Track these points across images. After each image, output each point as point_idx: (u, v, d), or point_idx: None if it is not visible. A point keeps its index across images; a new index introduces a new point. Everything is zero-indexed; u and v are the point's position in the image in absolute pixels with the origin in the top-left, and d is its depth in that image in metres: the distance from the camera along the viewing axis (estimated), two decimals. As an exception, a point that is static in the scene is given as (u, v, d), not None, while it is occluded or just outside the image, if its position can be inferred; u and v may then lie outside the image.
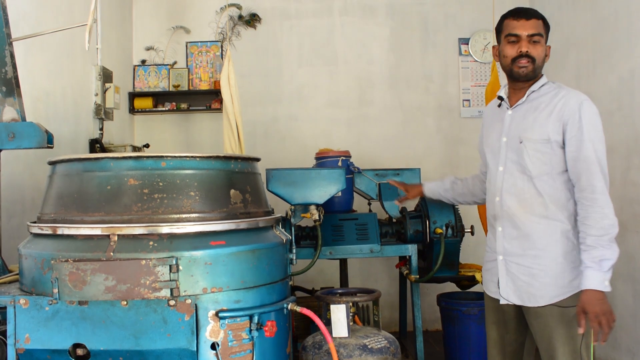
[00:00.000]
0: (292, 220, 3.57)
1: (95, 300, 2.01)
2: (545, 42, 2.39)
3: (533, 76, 2.38)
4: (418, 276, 3.93)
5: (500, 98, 2.48)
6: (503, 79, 5.20)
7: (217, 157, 2.30)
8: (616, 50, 4.10)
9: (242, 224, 2.25)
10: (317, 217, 3.59)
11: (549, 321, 2.31)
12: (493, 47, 2.54)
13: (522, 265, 2.36)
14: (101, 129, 4.57)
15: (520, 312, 2.44)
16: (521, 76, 2.37)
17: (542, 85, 2.39)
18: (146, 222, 2.10)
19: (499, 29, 2.46)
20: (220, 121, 4.86)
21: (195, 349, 2.03)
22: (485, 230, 4.42)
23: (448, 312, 4.25)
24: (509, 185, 2.39)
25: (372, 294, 3.28)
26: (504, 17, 2.43)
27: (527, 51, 2.33)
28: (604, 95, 4.16)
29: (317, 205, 3.59)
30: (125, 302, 2.01)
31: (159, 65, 5.53)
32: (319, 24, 5.62)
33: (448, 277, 4.11)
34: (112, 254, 2.02)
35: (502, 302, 2.43)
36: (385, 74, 5.61)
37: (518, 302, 2.39)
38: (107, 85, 4.59)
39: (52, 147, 2.51)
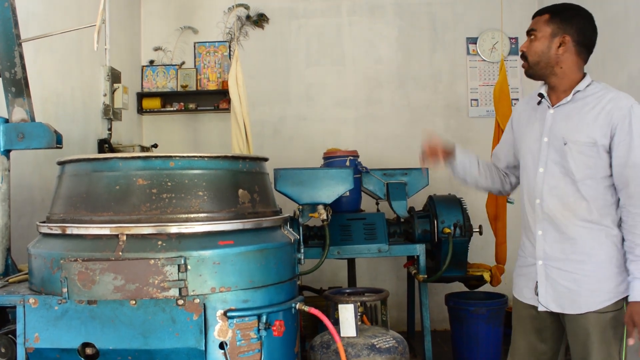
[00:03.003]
0: (300, 220, 3.57)
1: (104, 300, 2.01)
2: (556, 35, 2.27)
3: (535, 73, 2.33)
4: (426, 276, 3.92)
5: (541, 95, 2.37)
6: (511, 79, 5.26)
7: (225, 157, 2.31)
8: (626, 47, 4.08)
9: (250, 223, 2.26)
10: (325, 217, 3.59)
11: (586, 325, 2.23)
12: None
13: (565, 271, 2.26)
14: (110, 129, 4.59)
15: (557, 320, 2.36)
16: (526, 76, 2.37)
17: (588, 85, 2.30)
18: (155, 221, 2.11)
19: None
20: (228, 121, 4.87)
21: (203, 348, 2.04)
22: (494, 230, 4.43)
23: (456, 312, 4.24)
24: (550, 188, 2.29)
25: (380, 293, 3.28)
26: None
27: (522, 51, 2.34)
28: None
29: (325, 205, 3.59)
30: (134, 302, 2.01)
31: (167, 65, 5.54)
32: (326, 24, 5.62)
33: (456, 276, 4.10)
34: (120, 253, 2.03)
35: (540, 309, 2.32)
36: (394, 73, 5.60)
37: (557, 310, 2.29)
38: (115, 85, 4.62)
39: (61, 148, 2.52)
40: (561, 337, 2.40)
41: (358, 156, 4.24)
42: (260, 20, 5.55)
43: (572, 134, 2.25)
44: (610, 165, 2.22)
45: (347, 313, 2.80)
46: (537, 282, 2.34)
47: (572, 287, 2.25)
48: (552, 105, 2.34)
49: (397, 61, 5.60)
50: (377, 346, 2.87)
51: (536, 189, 2.33)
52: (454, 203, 4.05)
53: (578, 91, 2.29)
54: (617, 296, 2.22)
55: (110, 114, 4.56)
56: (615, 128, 2.18)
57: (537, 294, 2.34)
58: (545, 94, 2.37)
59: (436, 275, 3.93)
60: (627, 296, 2.24)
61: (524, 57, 2.34)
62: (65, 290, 2.02)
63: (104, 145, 4.44)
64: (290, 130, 5.56)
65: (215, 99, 5.50)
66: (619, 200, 2.25)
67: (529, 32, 2.34)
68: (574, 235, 2.25)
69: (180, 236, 2.10)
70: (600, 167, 2.22)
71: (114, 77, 4.62)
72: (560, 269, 2.28)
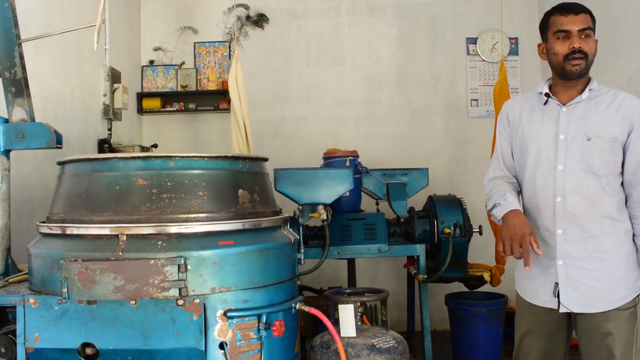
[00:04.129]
0: (300, 220, 3.57)
1: (104, 300, 2.01)
2: (594, 35, 2.31)
3: (586, 72, 2.30)
4: (426, 276, 3.92)
5: (547, 95, 2.36)
6: (511, 79, 5.26)
7: (225, 157, 2.30)
8: (626, 49, 4.08)
9: (250, 223, 2.25)
10: (325, 217, 3.59)
11: (606, 323, 2.23)
12: (538, 45, 2.43)
13: (587, 269, 2.25)
14: (110, 129, 4.59)
15: (569, 319, 2.35)
16: (574, 74, 2.28)
17: (599, 84, 2.34)
18: (155, 222, 2.10)
19: (544, 27, 2.36)
20: (228, 121, 4.87)
21: (203, 348, 2.03)
22: (494, 230, 4.42)
23: (456, 312, 4.24)
24: (573, 185, 2.26)
25: (380, 293, 3.28)
26: (549, 14, 2.33)
27: (579, 47, 2.25)
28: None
29: (325, 205, 3.59)
30: (134, 302, 2.01)
31: (167, 65, 5.54)
32: (326, 24, 5.62)
33: (456, 277, 4.10)
34: (120, 253, 2.03)
35: (561, 310, 2.29)
36: (393, 73, 5.60)
37: (578, 310, 2.27)
38: (115, 85, 4.62)
39: (61, 148, 2.52)
40: (569, 336, 2.40)
41: (358, 156, 4.24)
42: (260, 20, 5.56)
43: (595, 130, 2.26)
44: (623, 163, 2.26)
45: (347, 313, 2.80)
46: (556, 283, 2.30)
47: (595, 286, 2.25)
48: (564, 104, 2.34)
49: (396, 61, 5.60)
50: (377, 346, 2.87)
51: (557, 187, 2.30)
52: (454, 203, 4.05)
53: (591, 89, 2.32)
54: (635, 292, 2.27)
55: (110, 114, 4.56)
56: (632, 125, 2.24)
57: (556, 296, 2.30)
58: (550, 93, 2.37)
59: (436, 275, 3.92)
60: None
61: (583, 54, 2.27)
62: (65, 290, 2.02)
63: (104, 145, 4.44)
64: (290, 130, 5.56)
65: (215, 99, 5.50)
66: (626, 197, 2.29)
67: (584, 30, 2.27)
68: (596, 233, 2.26)
69: (180, 236, 2.09)
70: (617, 163, 2.26)
71: (114, 77, 4.62)
72: (582, 268, 2.26)
